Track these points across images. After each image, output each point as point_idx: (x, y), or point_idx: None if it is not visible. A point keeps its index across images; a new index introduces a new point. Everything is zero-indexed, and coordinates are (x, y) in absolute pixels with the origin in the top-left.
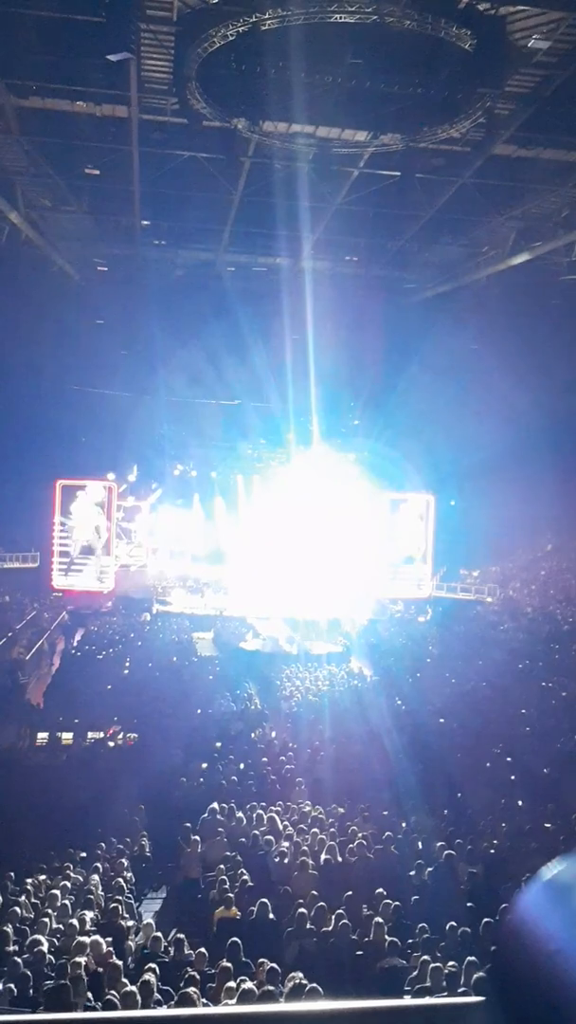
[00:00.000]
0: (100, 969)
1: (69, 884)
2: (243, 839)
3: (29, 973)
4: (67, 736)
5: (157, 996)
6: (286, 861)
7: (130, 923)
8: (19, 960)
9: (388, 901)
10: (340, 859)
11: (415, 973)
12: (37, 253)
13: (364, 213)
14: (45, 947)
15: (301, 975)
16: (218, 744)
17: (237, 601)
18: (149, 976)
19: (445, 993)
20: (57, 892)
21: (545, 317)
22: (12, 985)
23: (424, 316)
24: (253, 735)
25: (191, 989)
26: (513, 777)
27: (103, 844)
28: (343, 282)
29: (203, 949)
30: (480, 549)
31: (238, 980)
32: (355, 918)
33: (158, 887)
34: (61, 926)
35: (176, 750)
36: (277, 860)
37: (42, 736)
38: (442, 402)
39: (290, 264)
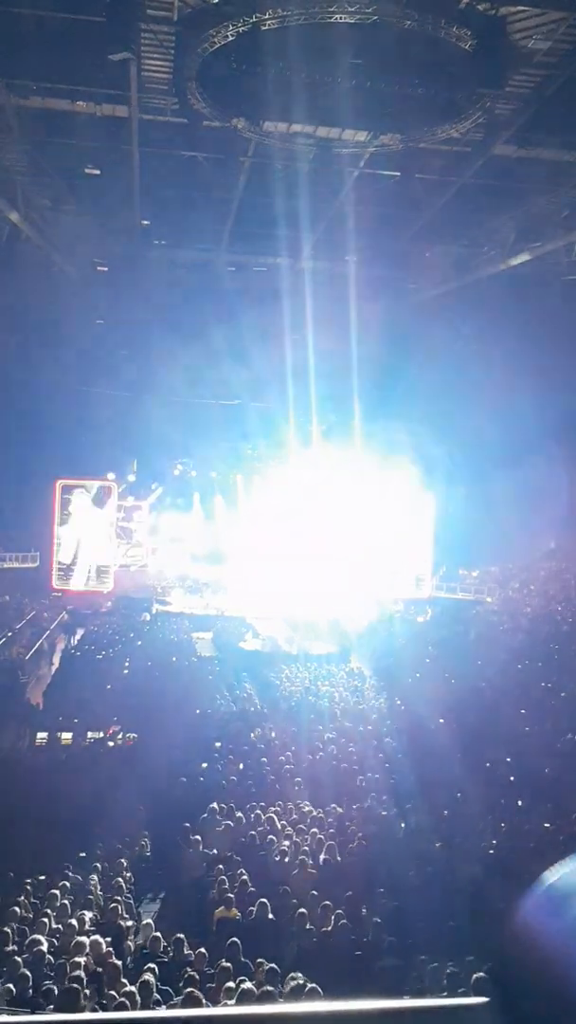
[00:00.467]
0: (99, 969)
1: (68, 884)
2: (242, 839)
3: (28, 973)
4: (67, 736)
5: (156, 996)
6: (285, 861)
7: (129, 923)
8: (18, 960)
9: (387, 901)
10: (339, 859)
11: (414, 973)
12: (37, 253)
13: (364, 213)
14: (44, 947)
15: (300, 975)
16: (217, 744)
17: (237, 601)
18: (148, 976)
19: (444, 993)
20: (56, 892)
21: (545, 317)
22: (11, 985)
23: (424, 316)
24: (252, 735)
25: (190, 989)
26: (512, 777)
27: (102, 844)
28: (343, 282)
29: (202, 949)
30: (480, 549)
31: (237, 980)
32: (354, 918)
33: (157, 887)
34: (60, 926)
35: (175, 750)
36: (276, 860)
37: (42, 736)
38: (442, 402)
39: (290, 264)
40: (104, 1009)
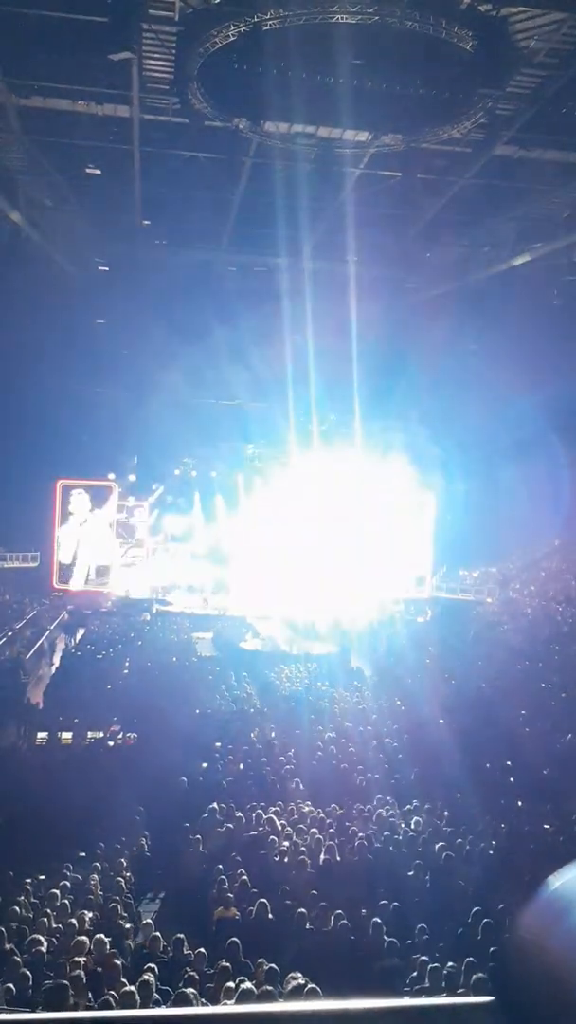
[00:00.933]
0: (99, 969)
1: (68, 884)
2: (242, 839)
3: (28, 972)
4: (67, 735)
5: (156, 996)
6: (285, 861)
7: (129, 923)
8: (18, 959)
9: (387, 901)
10: (339, 859)
11: (414, 974)
12: (38, 252)
13: (365, 213)
14: (44, 947)
15: (300, 975)
16: (217, 744)
17: (237, 601)
18: (148, 976)
19: (444, 994)
20: (56, 892)
21: (546, 318)
22: (11, 984)
23: (425, 317)
24: (252, 735)
25: (190, 989)
26: (512, 778)
27: (102, 844)
28: (344, 282)
29: (202, 949)
30: (480, 550)
31: (237, 980)
32: (354, 918)
33: (157, 887)
34: (60, 926)
35: (175, 750)
36: (276, 860)
37: (42, 735)
38: (442, 402)
39: (291, 264)
40: (104, 1009)
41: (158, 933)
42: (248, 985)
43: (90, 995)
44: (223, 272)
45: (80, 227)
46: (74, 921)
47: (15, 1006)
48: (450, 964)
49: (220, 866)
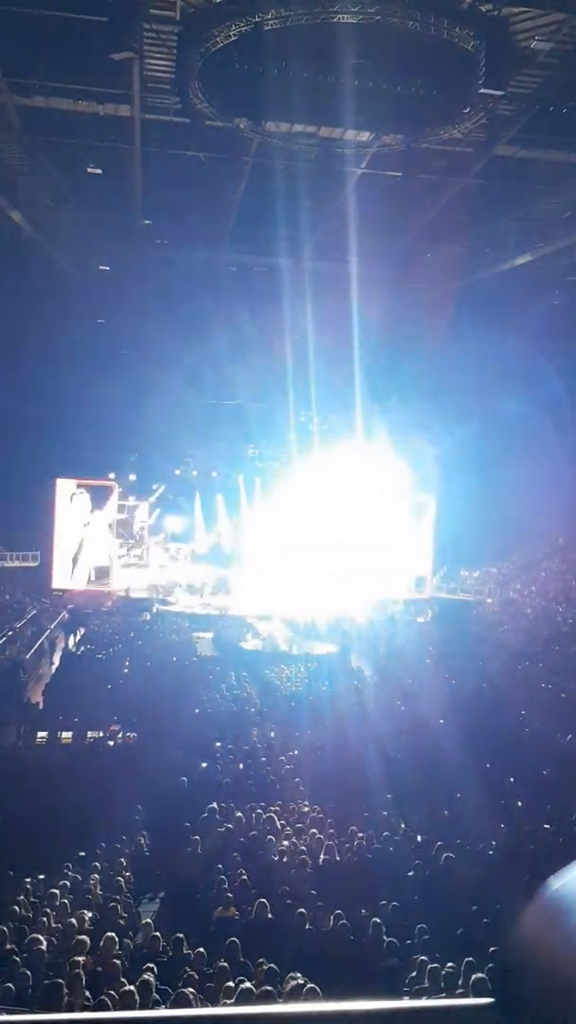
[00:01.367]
0: (99, 968)
1: (68, 883)
2: (242, 839)
3: (28, 972)
4: (67, 735)
5: (155, 996)
6: (285, 861)
7: (128, 923)
8: (18, 959)
9: (386, 901)
10: (339, 859)
11: (413, 974)
12: (39, 252)
13: (366, 213)
14: (44, 946)
15: (299, 975)
16: (217, 744)
17: (237, 601)
18: (148, 976)
19: (443, 994)
20: (56, 891)
21: (547, 318)
22: (11, 984)
23: (426, 316)
24: (252, 735)
25: (189, 989)
26: (512, 778)
27: (102, 843)
28: (344, 282)
29: (202, 949)
30: (480, 550)
31: (237, 980)
32: (353, 918)
33: (157, 887)
34: (60, 925)
35: (175, 750)
36: (276, 860)
37: (41, 735)
38: (443, 402)
39: (291, 264)
40: (103, 1009)
41: (157, 933)
42: (247, 985)
43: (89, 995)
44: (224, 272)
45: (81, 226)
46: (74, 921)
47: (15, 1006)
48: (449, 964)
49: (220, 866)
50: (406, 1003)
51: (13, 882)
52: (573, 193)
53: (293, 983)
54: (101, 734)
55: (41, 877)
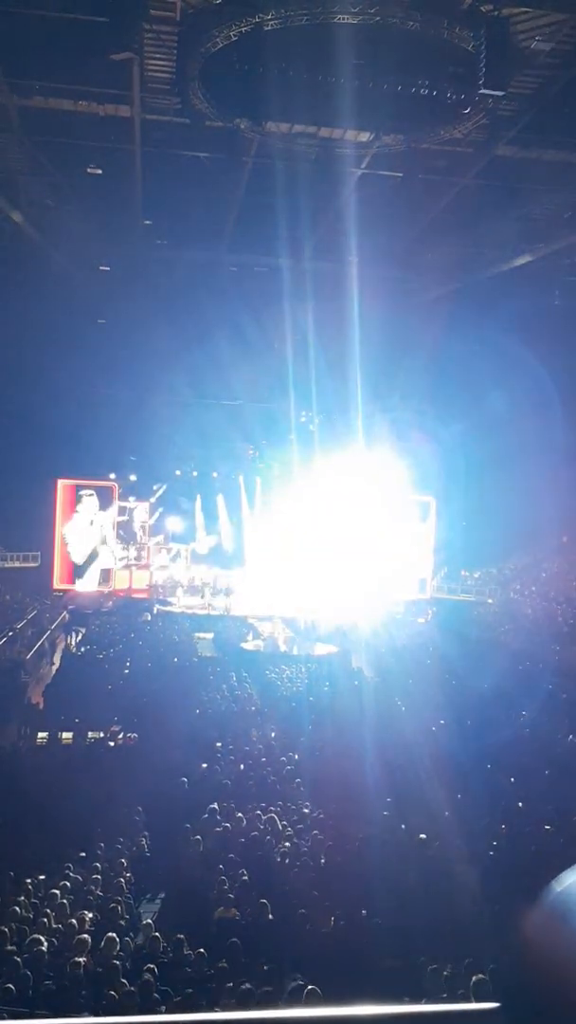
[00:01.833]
0: (99, 969)
1: (68, 884)
2: (243, 839)
3: (28, 973)
4: (67, 735)
5: (156, 996)
6: (286, 862)
7: (129, 923)
8: (18, 960)
9: (387, 902)
10: (339, 860)
11: (413, 975)
12: (39, 252)
13: (366, 214)
14: (44, 947)
15: (300, 976)
16: (218, 744)
17: (238, 601)
18: (148, 976)
19: (444, 995)
20: (56, 891)
21: (547, 318)
22: (11, 985)
23: (426, 317)
24: (253, 735)
25: (190, 990)
26: (513, 779)
27: (102, 844)
28: (345, 283)
29: (202, 949)
30: (481, 551)
31: (237, 981)
32: (354, 919)
33: (157, 887)
34: (60, 926)
35: (176, 750)
36: (277, 861)
37: (42, 735)
38: (443, 403)
39: (292, 265)
40: (103, 1009)
41: (158, 933)
42: (248, 986)
43: (89, 995)
44: (224, 272)
45: (81, 227)
46: (74, 921)
47: (15, 1006)
48: (450, 966)
49: (220, 867)
50: (410, 1008)
51: (14, 882)
52: (573, 193)
53: (293, 984)
54: (102, 734)
55: (42, 877)
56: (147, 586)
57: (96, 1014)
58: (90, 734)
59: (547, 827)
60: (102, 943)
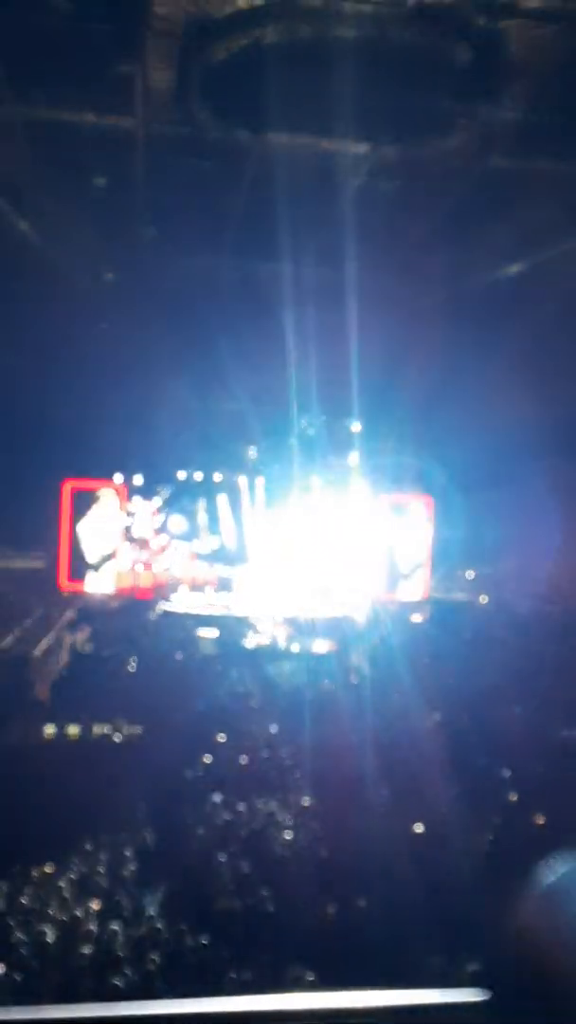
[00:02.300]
0: (103, 959)
1: (73, 876)
2: (244, 832)
3: (33, 964)
4: (73, 730)
5: (158, 985)
6: (287, 854)
7: (132, 914)
8: (24, 951)
9: (385, 895)
10: (339, 854)
11: (411, 966)
12: (45, 261)
13: (365, 222)
14: (48, 939)
15: (300, 967)
16: (220, 738)
17: (240, 600)
18: (151, 966)
19: (440, 986)
20: (61, 884)
21: (543, 326)
22: (16, 976)
23: (423, 324)
24: (254, 730)
25: (191, 981)
26: (509, 775)
27: (107, 837)
28: (344, 290)
29: (204, 941)
30: (477, 550)
31: (239, 971)
32: (353, 911)
33: (159, 880)
34: (64, 918)
35: (179, 744)
36: (277, 853)
37: (49, 731)
38: (441, 406)
39: (293, 271)
40: (107, 998)
41: (159, 925)
42: (249, 976)
43: (93, 985)
44: (226, 278)
45: (86, 236)
46: (78, 913)
47: (21, 997)
48: (446, 957)
49: (221, 859)
50: (403, 995)
51: (20, 874)
52: (568, 202)
53: (294, 975)
54: (107, 729)
55: (47, 869)
56: (151, 585)
57: (100, 1003)
58: (95, 729)
59: (542, 822)
60: (105, 934)
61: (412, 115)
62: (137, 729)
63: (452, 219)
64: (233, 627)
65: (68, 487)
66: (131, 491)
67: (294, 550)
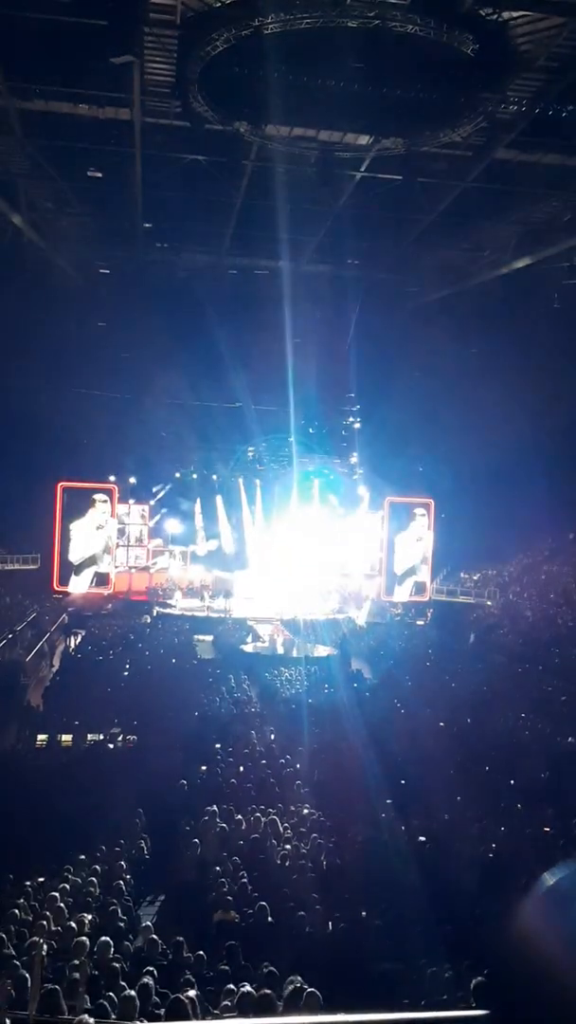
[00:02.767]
0: (98, 972)
1: (67, 886)
2: (242, 842)
3: (27, 976)
4: (67, 738)
5: (155, 999)
6: (286, 864)
7: (128, 925)
8: (17, 962)
9: (386, 905)
10: (339, 862)
11: (413, 977)
12: (39, 255)
13: (366, 217)
14: (44, 949)
15: (300, 979)
16: (217, 746)
17: (237, 603)
18: (147, 979)
19: (444, 997)
20: (56, 894)
21: (546, 322)
22: (10, 988)
23: (425, 320)
24: (252, 737)
25: (189, 992)
26: (512, 781)
27: (102, 846)
28: (344, 286)
29: (201, 952)
30: (480, 552)
31: (236, 983)
32: (353, 921)
33: (156, 890)
34: (59, 928)
35: (175, 752)
36: (276, 863)
37: (42, 738)
38: (442, 405)
39: (292, 268)
40: (102, 1012)
41: (157, 936)
42: (247, 988)
43: (88, 998)
44: (224, 275)
45: (82, 230)
46: (73, 924)
47: (15, 1009)
48: (449, 968)
49: (219, 869)
50: (403, 1016)
51: (13, 885)
52: (572, 197)
53: (292, 987)
54: (101, 737)
55: (41, 880)
56: (146, 588)
57: (95, 1017)
58: (89, 736)
59: (546, 829)
60: (100, 946)
61: (413, 108)
62: (131, 735)
63: (452, 215)
64: (231, 630)
65: (60, 488)
66: (126, 492)
67: (293, 552)
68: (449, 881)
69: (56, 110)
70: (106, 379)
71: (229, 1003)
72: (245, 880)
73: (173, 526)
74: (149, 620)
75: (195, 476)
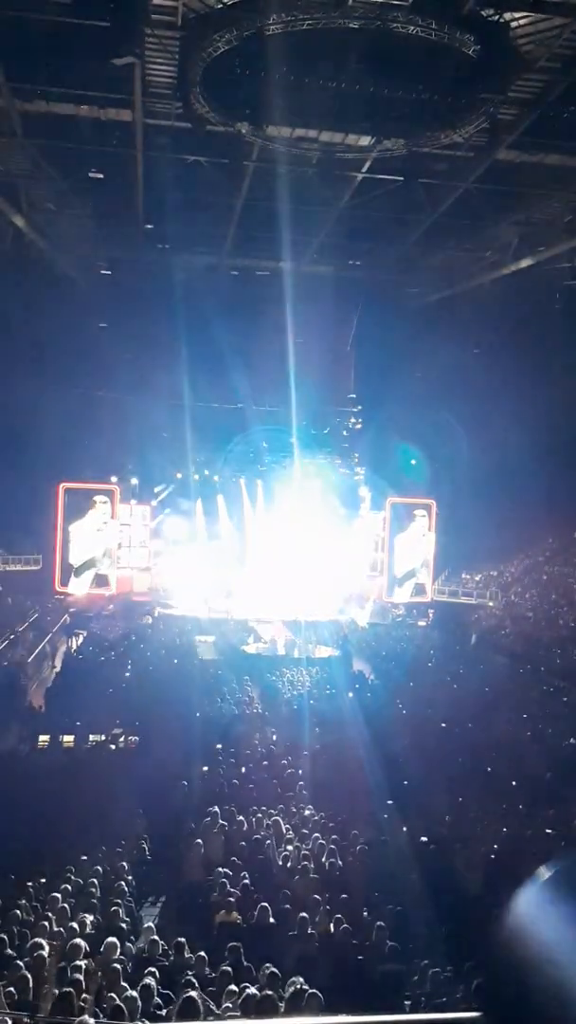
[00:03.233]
0: (100, 973)
1: (69, 887)
2: (244, 843)
3: (29, 976)
4: (68, 739)
5: (157, 1000)
6: (287, 865)
7: (130, 926)
8: (19, 963)
9: (388, 906)
10: (341, 863)
11: (415, 978)
12: (41, 256)
13: (367, 218)
14: (45, 951)
15: (302, 980)
16: (219, 747)
17: (239, 604)
18: (149, 980)
19: (444, 999)
20: (57, 895)
21: (547, 322)
22: (12, 989)
23: (426, 321)
24: (254, 739)
25: (193, 993)
26: (514, 782)
27: (103, 847)
28: (346, 287)
29: (203, 953)
30: (481, 553)
31: (238, 985)
32: (356, 922)
33: (158, 891)
34: (61, 929)
35: (177, 753)
36: (278, 864)
37: (43, 739)
38: (443, 405)
39: (293, 268)
40: (104, 1013)
41: (158, 937)
42: (250, 990)
43: (90, 999)
44: (225, 276)
45: (83, 231)
46: (75, 925)
47: (16, 1010)
48: (450, 969)
49: (221, 870)
50: (405, 1017)
51: (15, 886)
52: (573, 197)
53: (295, 988)
54: (103, 738)
55: (43, 881)
56: (148, 589)
57: (97, 1018)
58: (91, 737)
59: (548, 830)
60: (102, 947)
61: (414, 109)
62: (133, 736)
63: (453, 216)
64: (232, 631)
65: (62, 489)
66: (127, 492)
67: (294, 553)
68: (451, 882)
69: (57, 111)
70: (108, 380)
71: (231, 1004)
72: (247, 881)
73: (175, 526)
74: (151, 621)
75: (196, 477)
